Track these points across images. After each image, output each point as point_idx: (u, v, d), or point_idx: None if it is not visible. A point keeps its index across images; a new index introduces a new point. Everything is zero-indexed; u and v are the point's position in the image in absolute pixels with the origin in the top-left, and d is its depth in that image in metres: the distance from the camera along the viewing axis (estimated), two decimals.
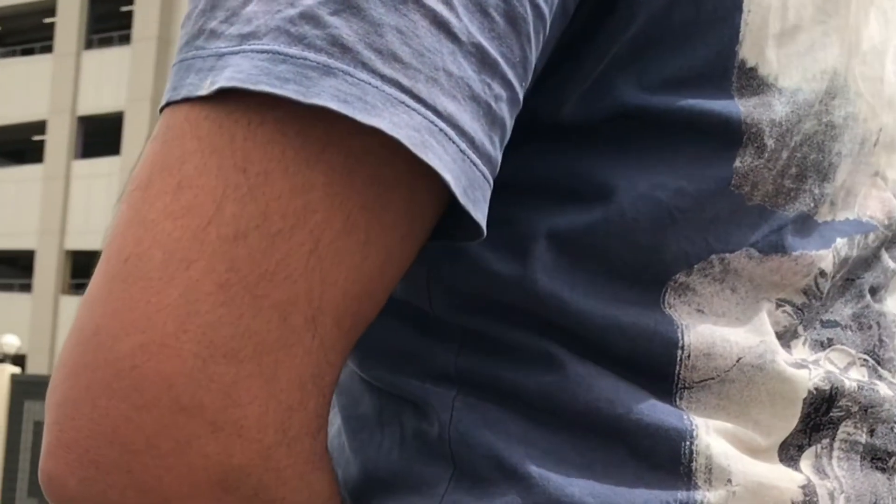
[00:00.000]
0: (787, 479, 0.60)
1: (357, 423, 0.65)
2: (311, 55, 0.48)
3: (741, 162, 0.59)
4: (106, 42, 30.76)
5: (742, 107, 0.59)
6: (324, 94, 0.48)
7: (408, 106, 0.49)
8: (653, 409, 0.58)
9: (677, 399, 0.59)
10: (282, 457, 0.51)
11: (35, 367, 27.25)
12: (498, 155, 0.53)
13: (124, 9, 29.81)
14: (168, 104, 0.52)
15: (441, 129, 0.49)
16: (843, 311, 0.65)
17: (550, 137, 0.58)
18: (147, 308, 0.48)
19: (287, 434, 0.51)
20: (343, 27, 0.49)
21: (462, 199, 0.50)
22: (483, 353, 0.60)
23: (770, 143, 0.59)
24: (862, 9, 0.64)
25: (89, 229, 28.72)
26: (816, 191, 0.62)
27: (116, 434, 0.48)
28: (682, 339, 0.59)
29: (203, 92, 0.50)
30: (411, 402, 0.62)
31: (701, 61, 0.58)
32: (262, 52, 0.49)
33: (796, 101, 0.60)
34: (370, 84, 0.48)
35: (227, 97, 0.49)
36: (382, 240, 0.52)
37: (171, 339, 0.48)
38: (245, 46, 0.49)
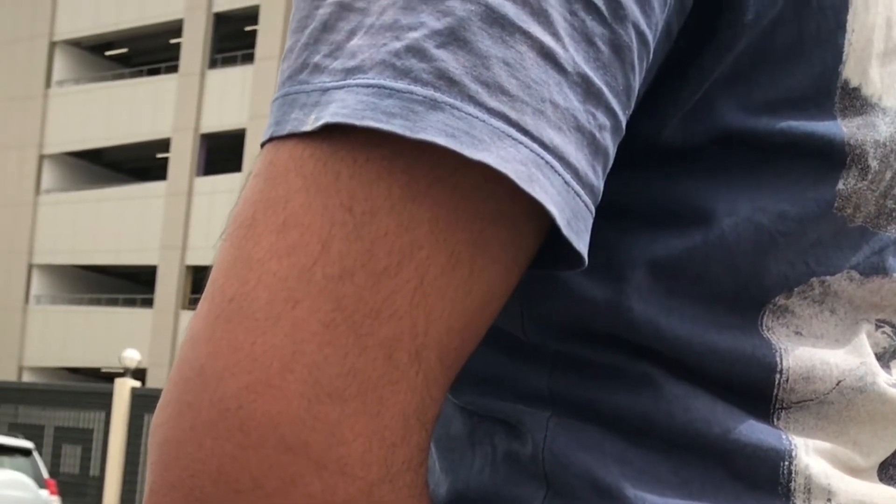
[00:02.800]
0: (889, 497, 0.59)
1: (448, 443, 0.65)
2: (418, 89, 0.48)
3: (844, 184, 0.58)
4: (230, 61, 31.41)
5: (846, 128, 0.58)
6: (431, 129, 0.47)
7: (514, 139, 0.48)
8: (750, 429, 0.58)
9: (775, 419, 0.58)
10: (385, 493, 0.51)
11: (155, 381, 27.85)
12: (600, 184, 0.52)
13: (248, 28, 30.40)
14: (271, 139, 0.51)
15: (547, 162, 0.49)
16: None
17: (649, 161, 0.58)
18: (253, 348, 0.47)
19: (390, 470, 0.50)
20: (450, 60, 0.48)
21: (566, 231, 0.49)
22: (577, 374, 0.59)
23: (874, 164, 0.58)
24: None
25: (210, 245, 29.20)
26: None
27: (222, 474, 0.48)
28: (781, 362, 0.58)
29: (307, 128, 0.49)
30: (503, 422, 0.62)
31: (804, 82, 0.58)
32: (368, 86, 0.48)
33: None
34: (477, 118, 0.48)
35: (331, 133, 0.49)
36: (486, 274, 0.51)
37: (276, 379, 0.47)
38: (350, 81, 0.49)
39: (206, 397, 0.48)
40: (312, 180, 0.49)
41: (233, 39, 31.37)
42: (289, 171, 0.49)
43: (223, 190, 29.53)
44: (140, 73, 34.21)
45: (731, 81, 0.57)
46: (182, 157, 31.05)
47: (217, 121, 30.63)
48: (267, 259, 0.48)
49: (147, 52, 34.51)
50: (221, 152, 30.48)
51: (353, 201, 0.48)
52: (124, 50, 35.23)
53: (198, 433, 0.48)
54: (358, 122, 0.47)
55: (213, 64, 31.32)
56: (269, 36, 29.15)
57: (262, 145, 0.52)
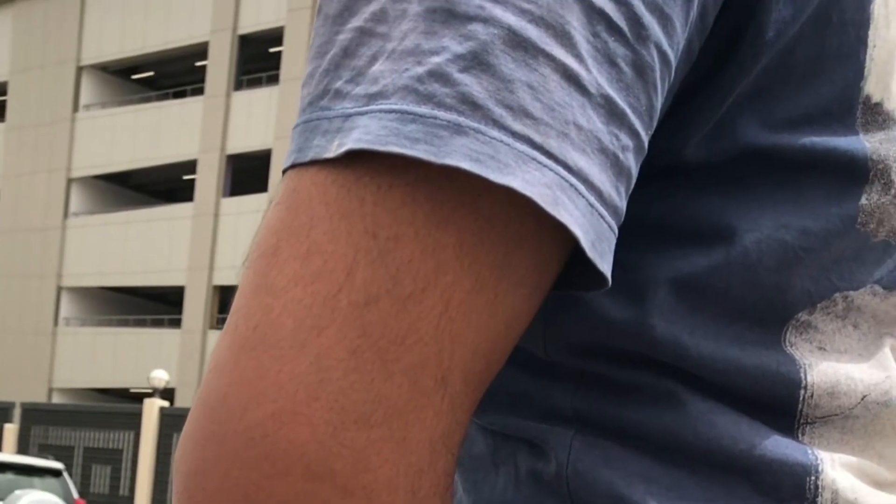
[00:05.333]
0: None
1: (470, 463, 0.65)
2: (441, 114, 0.48)
3: (867, 199, 0.58)
4: (255, 83, 31.54)
5: (868, 143, 0.58)
6: (455, 154, 0.47)
7: (539, 162, 0.48)
8: (776, 445, 0.58)
9: (800, 434, 0.58)
10: None
11: (183, 401, 27.92)
12: (623, 204, 0.52)
13: (272, 50, 30.54)
14: (293, 166, 0.51)
15: (571, 185, 0.48)
16: None
17: (671, 179, 0.58)
18: (278, 376, 0.47)
19: (417, 495, 0.50)
20: (473, 84, 0.48)
21: (590, 253, 0.49)
22: (600, 392, 0.59)
23: None
24: None
25: (237, 265, 29.07)
26: None
27: (248, 503, 0.48)
28: (805, 378, 0.58)
29: (330, 154, 0.49)
30: (526, 441, 0.62)
31: (825, 98, 0.58)
32: (391, 111, 0.48)
33: None
34: (502, 142, 0.47)
35: (355, 159, 0.48)
36: (510, 297, 0.50)
37: (302, 406, 0.47)
38: (373, 107, 0.49)
39: (231, 426, 0.47)
40: (336, 207, 0.48)
41: (258, 61, 31.51)
42: (312, 198, 0.49)
43: (249, 210, 29.62)
44: (166, 96, 34.40)
45: (752, 99, 0.57)
46: (208, 179, 31.18)
47: (243, 142, 30.74)
48: (291, 287, 0.48)
49: (173, 74, 34.70)
50: (247, 173, 30.58)
51: (377, 227, 0.48)
52: (150, 73, 35.44)
53: (223, 463, 0.48)
54: (382, 149, 0.47)
55: (239, 86, 31.45)
56: (294, 57, 29.27)
57: (284, 172, 0.52)
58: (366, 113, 0.49)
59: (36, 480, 13.41)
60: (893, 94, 0.59)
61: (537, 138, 0.48)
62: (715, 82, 0.57)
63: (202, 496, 0.48)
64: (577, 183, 0.49)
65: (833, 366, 0.59)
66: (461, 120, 0.47)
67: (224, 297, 30.34)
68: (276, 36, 30.11)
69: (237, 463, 0.47)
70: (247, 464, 0.47)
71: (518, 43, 0.48)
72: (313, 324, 0.47)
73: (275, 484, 0.47)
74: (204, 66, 31.99)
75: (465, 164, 0.47)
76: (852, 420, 0.59)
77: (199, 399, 0.50)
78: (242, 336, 0.48)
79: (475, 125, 0.47)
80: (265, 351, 0.48)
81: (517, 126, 0.48)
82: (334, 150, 0.49)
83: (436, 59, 0.48)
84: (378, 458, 0.48)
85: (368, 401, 0.47)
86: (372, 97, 0.49)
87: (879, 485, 0.59)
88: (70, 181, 33.94)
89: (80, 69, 34.11)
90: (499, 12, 0.48)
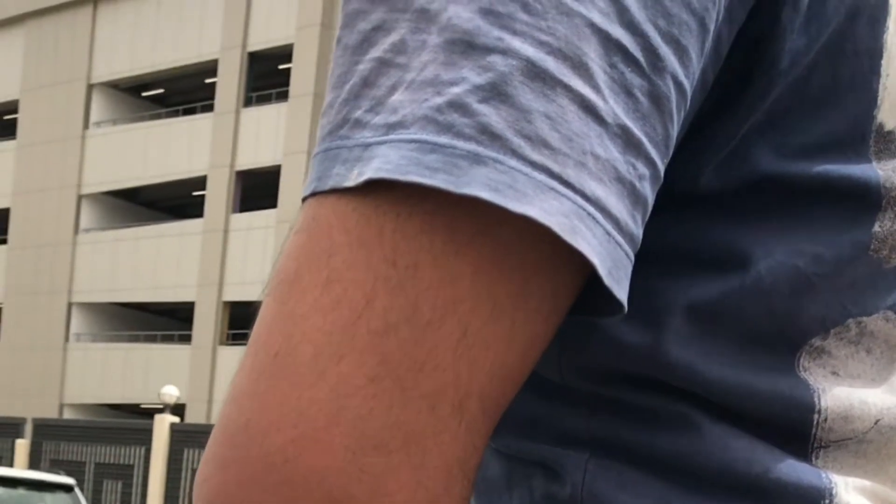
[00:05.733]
0: None
1: (484, 486, 0.66)
2: (461, 144, 0.48)
3: (880, 226, 0.59)
4: (264, 99, 31.61)
5: (881, 171, 0.59)
6: (474, 184, 0.47)
7: (557, 192, 0.48)
8: (790, 468, 0.58)
9: (813, 458, 0.59)
10: None
11: (194, 417, 27.94)
12: (639, 232, 0.52)
13: (282, 66, 30.61)
14: (313, 194, 0.51)
15: (589, 213, 0.49)
16: None
17: (685, 207, 0.59)
18: (298, 403, 0.48)
19: None
20: (492, 115, 0.48)
21: (607, 281, 0.50)
22: (615, 416, 0.60)
23: None
24: None
25: (246, 280, 29.40)
26: None
27: None
28: (819, 402, 0.59)
29: (350, 183, 0.49)
30: (541, 464, 0.62)
31: (839, 127, 0.59)
32: (410, 141, 0.48)
33: None
34: (520, 171, 0.48)
35: (374, 188, 0.49)
36: (527, 324, 0.51)
37: (322, 433, 0.47)
38: (392, 136, 0.49)
39: (251, 452, 0.48)
40: (356, 235, 0.49)
41: (267, 78, 31.57)
42: (332, 227, 0.49)
43: (259, 226, 29.68)
44: (176, 113, 34.46)
45: (766, 127, 0.58)
46: (218, 195, 31.23)
47: (252, 158, 30.79)
48: (311, 314, 0.48)
49: (183, 92, 34.78)
50: (257, 189, 30.62)
51: (396, 255, 0.48)
52: (160, 90, 35.53)
53: (244, 488, 0.48)
54: (401, 178, 0.48)
55: (248, 102, 31.52)
56: (303, 73, 29.34)
57: (304, 200, 0.52)
58: (385, 142, 0.49)
59: (47, 496, 13.42)
60: None
61: (555, 168, 0.48)
62: (730, 111, 0.57)
63: None
64: (594, 212, 0.49)
65: (846, 391, 0.59)
66: (480, 150, 0.48)
67: (234, 312, 30.37)
68: (285, 53, 30.19)
69: (258, 487, 0.48)
70: (267, 489, 0.48)
71: (536, 74, 0.49)
72: (333, 351, 0.48)
73: None
74: (214, 83, 32.07)
75: (484, 194, 0.47)
76: (865, 444, 0.60)
77: (219, 424, 0.50)
78: (262, 363, 0.49)
79: (494, 155, 0.48)
80: (285, 378, 0.48)
81: (535, 156, 0.48)
82: (354, 178, 0.49)
83: (455, 90, 0.49)
84: (396, 484, 0.48)
85: (387, 427, 0.48)
86: (391, 127, 0.49)
87: None
88: (80, 197, 34.02)
89: (90, 86, 34.21)
90: (517, 44, 0.49)
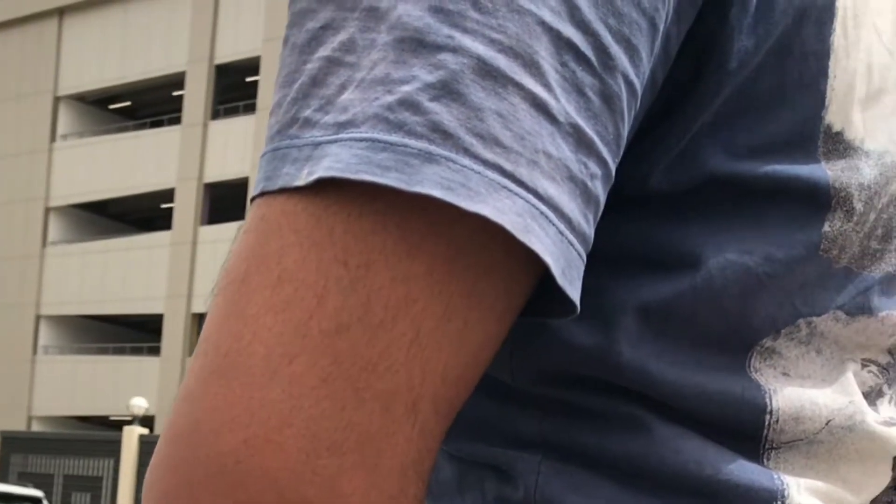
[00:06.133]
0: None
1: (437, 489, 0.65)
2: (412, 142, 0.47)
3: (830, 226, 0.59)
4: (232, 111, 31.53)
5: (830, 171, 0.59)
6: (427, 182, 0.47)
7: (510, 190, 0.48)
8: (742, 470, 0.58)
9: (765, 459, 0.59)
10: None
11: (163, 428, 27.75)
12: (591, 232, 0.52)
13: (249, 79, 30.54)
14: (262, 194, 0.51)
15: (542, 213, 0.49)
16: None
17: (635, 207, 0.59)
18: (250, 403, 0.47)
19: None
20: (443, 113, 0.48)
21: (560, 281, 0.49)
22: (567, 418, 0.60)
23: (859, 206, 0.60)
24: None
25: None
26: None
27: None
28: (770, 403, 0.59)
29: (300, 182, 0.49)
30: (493, 467, 0.62)
31: (788, 127, 0.59)
32: (361, 140, 0.48)
33: (884, 164, 0.61)
34: (472, 170, 0.47)
35: (324, 187, 0.48)
36: (480, 324, 0.50)
37: (274, 434, 0.47)
38: (343, 135, 0.48)
39: (202, 453, 0.47)
40: (306, 235, 0.48)
41: (234, 90, 31.50)
42: (281, 227, 0.49)
43: (227, 238, 29.46)
44: (143, 126, 34.27)
45: (715, 127, 0.58)
46: (186, 207, 31.12)
47: (220, 170, 30.69)
48: (262, 314, 0.48)
49: (150, 104, 34.63)
50: (225, 201, 30.52)
51: (347, 255, 0.48)
52: (128, 103, 35.35)
53: (194, 490, 0.47)
54: (353, 177, 0.47)
55: (216, 115, 31.43)
56: (271, 86, 28.96)
57: (252, 200, 0.52)
58: (336, 141, 0.48)
59: None
60: (854, 123, 0.60)
61: (508, 166, 0.48)
62: (679, 111, 0.57)
63: None
64: (547, 211, 0.49)
65: (797, 391, 0.60)
66: (432, 148, 0.47)
67: (203, 324, 30.19)
68: (252, 65, 30.12)
69: (209, 489, 0.47)
70: (219, 490, 0.47)
71: (487, 72, 0.48)
72: (284, 351, 0.47)
73: None
74: (181, 96, 31.97)
75: (437, 192, 0.47)
76: (817, 445, 0.60)
77: (169, 426, 0.49)
78: (213, 363, 0.48)
79: (446, 153, 0.47)
80: (236, 378, 0.47)
81: (488, 154, 0.48)
82: (304, 178, 0.48)
83: (406, 88, 0.48)
84: (350, 485, 0.48)
85: (340, 428, 0.47)
86: (342, 126, 0.49)
87: None
88: (48, 210, 33.82)
89: (57, 99, 34.03)
90: (468, 42, 0.48)
